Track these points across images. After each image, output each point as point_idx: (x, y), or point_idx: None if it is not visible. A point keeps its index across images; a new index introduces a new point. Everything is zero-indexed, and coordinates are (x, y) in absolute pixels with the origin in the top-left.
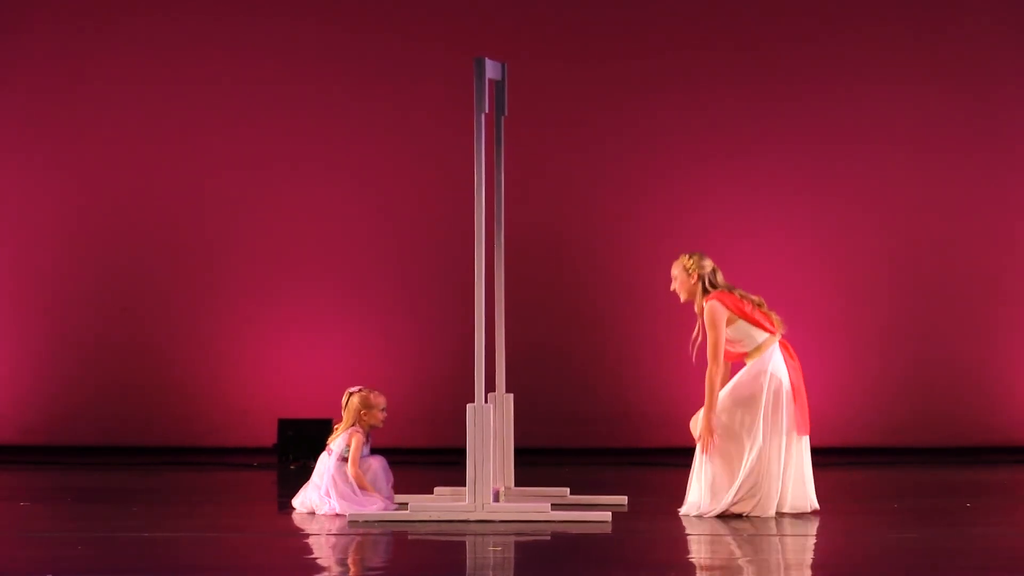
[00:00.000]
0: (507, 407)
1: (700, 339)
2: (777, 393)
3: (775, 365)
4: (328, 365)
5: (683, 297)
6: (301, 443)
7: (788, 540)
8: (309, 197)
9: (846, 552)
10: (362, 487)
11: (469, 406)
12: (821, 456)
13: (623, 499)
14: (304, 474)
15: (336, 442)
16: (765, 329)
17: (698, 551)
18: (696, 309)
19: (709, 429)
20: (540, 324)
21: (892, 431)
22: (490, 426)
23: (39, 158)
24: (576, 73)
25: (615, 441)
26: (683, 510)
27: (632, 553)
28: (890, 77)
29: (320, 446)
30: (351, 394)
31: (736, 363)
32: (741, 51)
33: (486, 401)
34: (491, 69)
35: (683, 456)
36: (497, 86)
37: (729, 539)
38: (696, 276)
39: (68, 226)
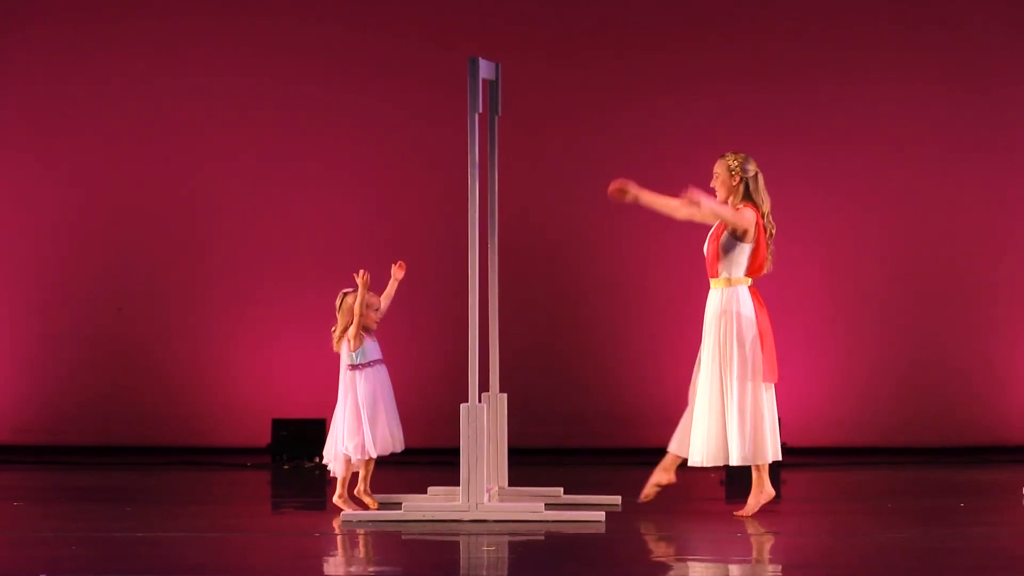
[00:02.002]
0: (501, 407)
1: (711, 241)
2: (754, 339)
3: (747, 308)
4: (322, 365)
5: (721, 195)
6: (295, 443)
7: (782, 539)
8: (304, 196)
9: (841, 552)
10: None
11: (463, 406)
12: (817, 456)
13: (617, 499)
14: (298, 475)
15: (343, 353)
16: (750, 273)
17: (691, 550)
18: (728, 207)
19: (625, 187)
20: (534, 324)
21: (887, 431)
22: (484, 426)
23: (34, 158)
24: (570, 73)
25: (609, 441)
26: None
27: (626, 553)
28: (886, 76)
29: (314, 446)
30: (345, 294)
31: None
32: (737, 49)
33: (480, 401)
34: (485, 69)
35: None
36: (491, 86)
37: (723, 538)
38: (739, 178)
39: (62, 226)
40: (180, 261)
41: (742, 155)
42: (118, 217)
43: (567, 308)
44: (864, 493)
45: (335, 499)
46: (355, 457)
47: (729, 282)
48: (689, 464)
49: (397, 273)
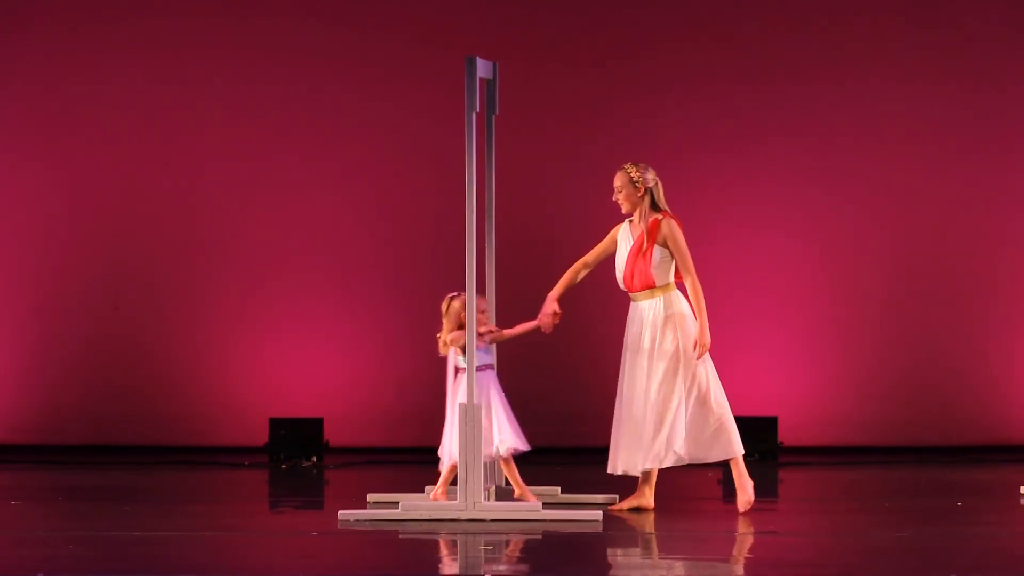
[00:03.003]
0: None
1: (633, 257)
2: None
3: (687, 307)
4: (319, 364)
5: (625, 208)
6: (292, 442)
7: (779, 538)
8: (302, 196)
9: (837, 551)
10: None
11: (460, 404)
12: (812, 455)
13: (614, 498)
14: (295, 474)
15: (450, 356)
16: (676, 276)
17: (689, 550)
18: (637, 222)
19: (707, 342)
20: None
21: (884, 430)
22: (481, 425)
23: (30, 157)
24: (568, 72)
25: (607, 440)
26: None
27: (623, 552)
28: (882, 73)
29: (311, 446)
30: (451, 298)
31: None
32: (734, 50)
33: (477, 400)
34: (482, 68)
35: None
36: (488, 85)
37: (720, 537)
38: (644, 188)
39: (59, 225)
40: (178, 260)
41: (641, 164)
42: (116, 216)
43: (565, 306)
44: (861, 492)
45: (433, 494)
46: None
47: (667, 288)
48: (678, 464)
49: (545, 322)
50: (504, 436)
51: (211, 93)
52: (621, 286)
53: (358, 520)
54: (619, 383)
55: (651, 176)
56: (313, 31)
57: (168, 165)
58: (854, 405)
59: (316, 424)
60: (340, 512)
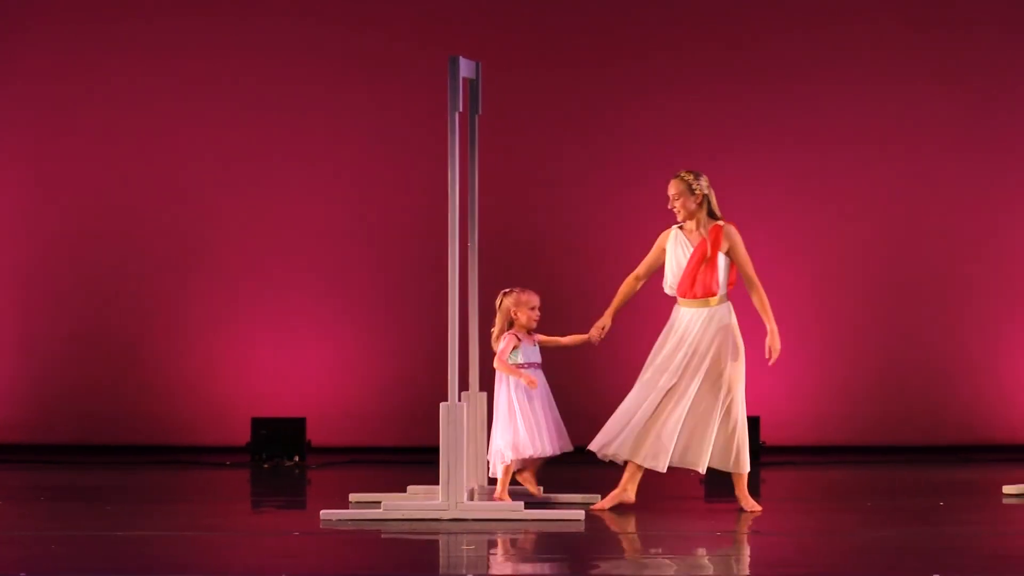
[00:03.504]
0: (480, 405)
1: (696, 265)
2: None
3: (735, 320)
4: (302, 364)
5: (682, 216)
6: (274, 442)
7: (762, 538)
8: (286, 195)
9: (820, 551)
10: (513, 373)
11: (442, 404)
12: (796, 455)
13: (597, 497)
14: (278, 474)
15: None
16: (729, 285)
17: (671, 549)
18: (693, 229)
19: (779, 347)
20: None
21: (866, 430)
22: (463, 424)
23: (15, 157)
24: (551, 72)
25: (589, 440)
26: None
27: (606, 552)
28: (863, 75)
29: (293, 446)
30: (504, 295)
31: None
32: (719, 52)
33: (459, 399)
34: (465, 68)
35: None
36: (472, 85)
37: (701, 537)
38: (701, 195)
39: (43, 224)
40: (161, 260)
41: (694, 171)
42: (98, 215)
43: (546, 306)
44: (843, 492)
45: (495, 495)
46: (507, 455)
47: (723, 299)
48: (702, 470)
49: (593, 335)
50: (522, 440)
51: (193, 93)
52: (671, 292)
53: (340, 520)
54: (649, 375)
55: (705, 183)
56: (296, 31)
57: (151, 164)
58: (836, 405)
59: (298, 424)
60: (322, 512)
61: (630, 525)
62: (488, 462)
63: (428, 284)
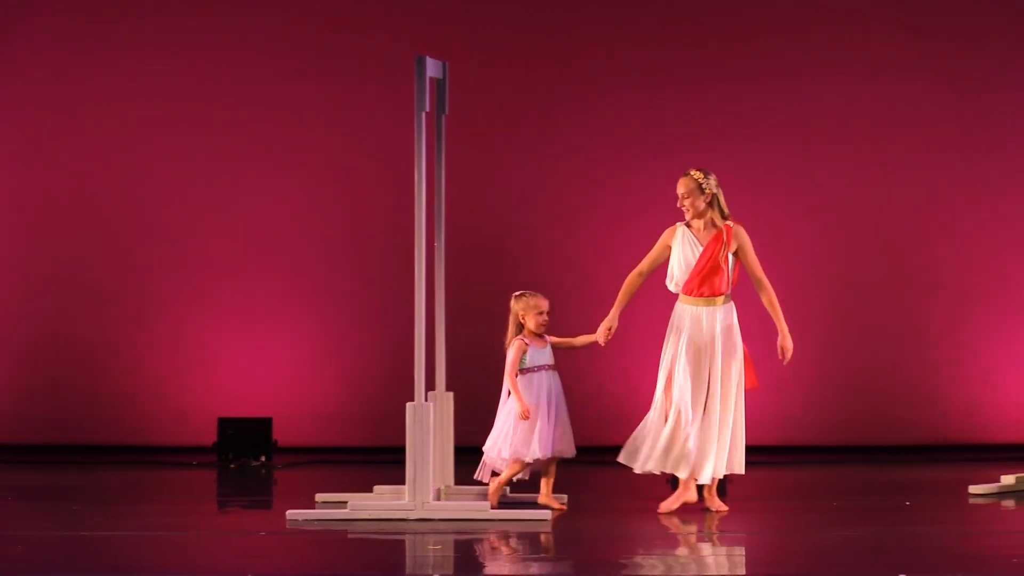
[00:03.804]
0: (447, 405)
1: (708, 264)
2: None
3: (736, 319)
4: (268, 364)
5: (691, 215)
6: (241, 442)
7: (728, 537)
8: (252, 194)
9: (786, 550)
10: (515, 392)
11: (409, 404)
12: (762, 454)
13: (563, 497)
14: (244, 474)
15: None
16: (735, 280)
17: (638, 549)
18: (702, 228)
19: (791, 346)
20: (481, 322)
21: (832, 430)
22: (430, 424)
23: None
24: (519, 72)
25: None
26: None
27: (573, 551)
28: (828, 77)
29: (260, 446)
30: (513, 299)
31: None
32: (685, 50)
33: (426, 399)
34: (432, 67)
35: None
36: (438, 84)
37: (668, 537)
38: (710, 195)
39: (4, 223)
40: (125, 259)
41: (703, 169)
42: (63, 215)
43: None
44: (809, 492)
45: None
46: (506, 457)
47: (728, 298)
48: (718, 476)
49: (600, 336)
50: (534, 443)
51: (160, 93)
52: (676, 289)
53: (306, 520)
54: (667, 382)
55: (714, 181)
56: (263, 30)
57: (114, 164)
58: (801, 405)
59: (265, 424)
60: (288, 512)
61: (596, 526)
62: (482, 462)
63: (395, 284)
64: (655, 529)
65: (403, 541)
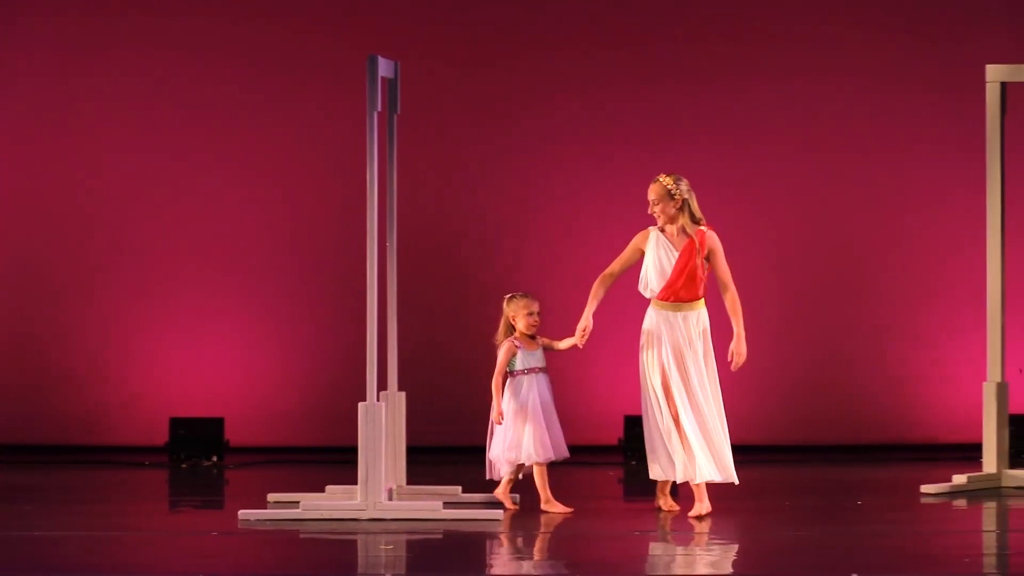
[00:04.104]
0: (399, 405)
1: (685, 269)
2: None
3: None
4: (220, 364)
5: (662, 221)
6: (192, 442)
7: (680, 537)
8: (202, 192)
9: (739, 550)
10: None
11: (361, 404)
12: None
13: (515, 496)
14: (196, 474)
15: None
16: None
17: (591, 548)
18: (675, 233)
19: (745, 352)
20: (433, 322)
21: (783, 429)
22: (382, 424)
23: None
24: (471, 71)
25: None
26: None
27: (525, 552)
28: (776, 73)
29: (211, 446)
30: (505, 300)
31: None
32: (634, 48)
33: (378, 399)
34: (384, 67)
35: (575, 454)
36: (390, 84)
37: (622, 536)
38: (680, 200)
39: None
40: (76, 258)
41: (674, 175)
42: (10, 213)
43: (466, 306)
44: (761, 492)
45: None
46: (496, 460)
47: (703, 301)
48: (704, 481)
49: (577, 338)
50: (527, 446)
51: (108, 90)
52: (649, 294)
53: (258, 520)
54: (655, 393)
55: (685, 186)
56: (214, 27)
57: (62, 162)
58: (752, 405)
59: (216, 424)
60: (240, 512)
61: (549, 525)
62: (488, 461)
63: (347, 283)
64: (609, 529)
65: (355, 541)
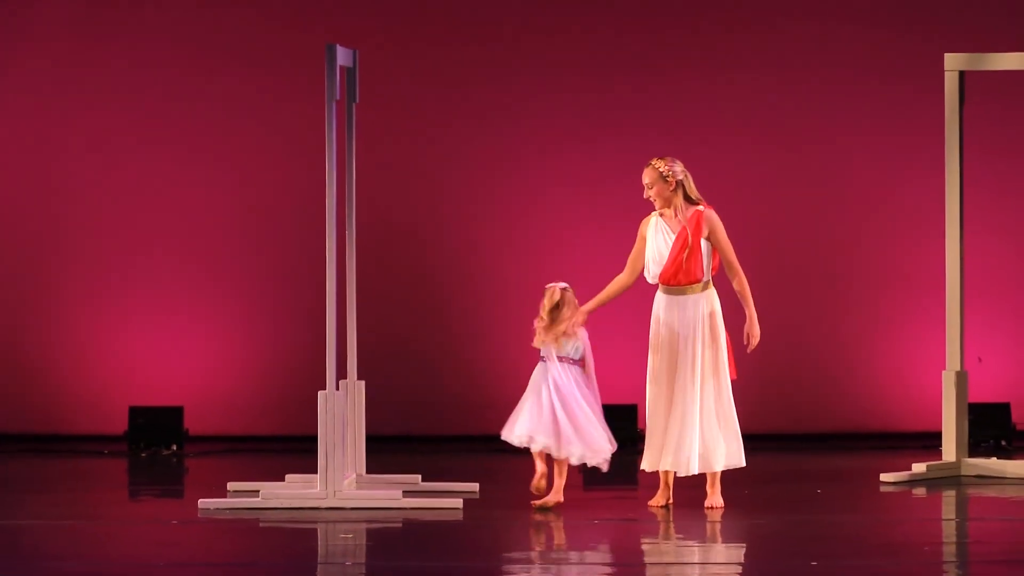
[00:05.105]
0: (358, 394)
1: (679, 252)
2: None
3: (719, 306)
4: (179, 352)
5: (659, 205)
6: (152, 431)
7: (637, 526)
8: (163, 182)
9: (697, 539)
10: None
11: (320, 393)
12: None
13: (475, 486)
14: (155, 463)
15: (550, 350)
16: (713, 271)
17: (548, 538)
18: (673, 216)
19: (759, 333)
20: (392, 311)
21: (742, 418)
22: (342, 413)
23: None
24: (430, 60)
25: (467, 428)
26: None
27: (484, 540)
28: (736, 63)
29: (171, 434)
30: (562, 290)
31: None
32: (588, 35)
33: (337, 388)
34: (343, 56)
35: None
36: (349, 73)
37: (580, 525)
38: (674, 182)
39: None
40: (35, 246)
41: (668, 157)
42: None
43: (424, 296)
44: (721, 480)
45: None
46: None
47: (708, 284)
48: (705, 471)
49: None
50: (521, 429)
51: (68, 79)
52: (653, 280)
53: (218, 509)
54: (659, 377)
55: (679, 168)
56: (174, 16)
57: (24, 151)
58: None
59: (176, 413)
60: (200, 501)
61: (508, 515)
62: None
63: (306, 272)
64: (566, 518)
65: (315, 530)
